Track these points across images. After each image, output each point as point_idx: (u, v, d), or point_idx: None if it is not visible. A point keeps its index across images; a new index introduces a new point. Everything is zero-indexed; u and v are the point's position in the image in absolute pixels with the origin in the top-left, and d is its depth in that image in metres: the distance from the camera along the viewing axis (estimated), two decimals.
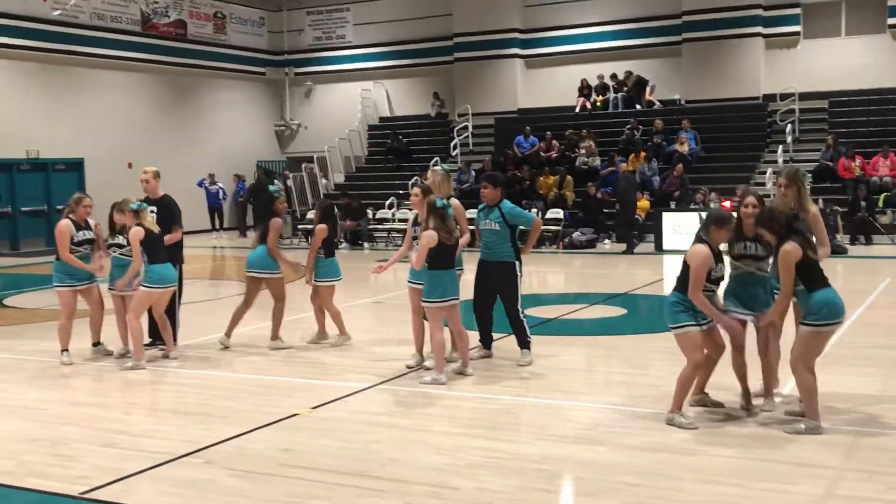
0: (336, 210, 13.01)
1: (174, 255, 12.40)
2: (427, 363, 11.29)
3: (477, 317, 11.68)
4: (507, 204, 11.33)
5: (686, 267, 8.57)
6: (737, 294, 9.12)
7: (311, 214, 31.16)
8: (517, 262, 11.28)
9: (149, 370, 11.82)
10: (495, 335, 12.07)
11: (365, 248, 29.81)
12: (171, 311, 12.54)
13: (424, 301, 10.47)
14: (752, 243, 9.04)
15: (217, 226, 37.57)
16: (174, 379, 11.32)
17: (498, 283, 11.29)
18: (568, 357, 11.97)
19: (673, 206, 28.38)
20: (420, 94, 40.74)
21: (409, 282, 11.33)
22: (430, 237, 10.32)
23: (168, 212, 12.53)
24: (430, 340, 10.64)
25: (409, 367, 11.20)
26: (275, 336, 12.95)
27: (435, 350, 10.50)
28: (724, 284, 9.04)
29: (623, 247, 26.73)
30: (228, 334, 12.98)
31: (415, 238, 11.08)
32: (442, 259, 10.37)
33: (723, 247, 8.91)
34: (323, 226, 12.68)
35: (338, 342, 12.92)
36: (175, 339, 12.65)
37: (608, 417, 9.12)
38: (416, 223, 11.32)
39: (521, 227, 11.42)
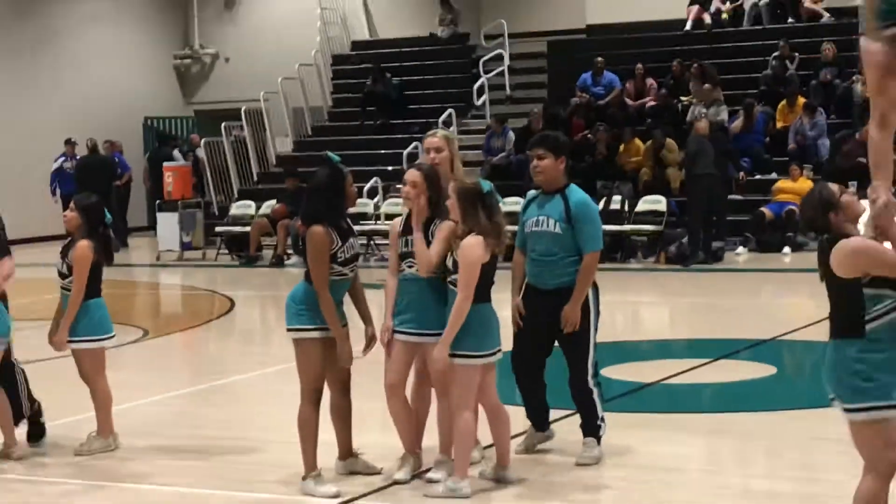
0: (107, 215, 8.60)
1: None
2: (434, 472, 7.83)
3: (519, 379, 8.55)
4: (576, 192, 8.39)
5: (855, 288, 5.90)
6: None
7: (235, 209, 24.65)
8: (592, 291, 8.36)
9: None
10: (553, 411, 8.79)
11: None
12: (9, 378, 8.48)
13: (458, 355, 7.61)
14: None
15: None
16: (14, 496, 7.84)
17: (556, 327, 8.26)
18: (677, 451, 9.01)
19: (852, 187, 18.93)
20: (420, 3, 29.84)
21: (396, 329, 7.82)
22: (477, 248, 7.53)
23: None
24: (446, 425, 7.77)
25: (396, 482, 7.92)
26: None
27: (457, 441, 7.61)
28: None
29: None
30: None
31: (406, 257, 7.95)
32: (483, 284, 7.73)
33: None
34: (87, 244, 8.30)
35: (101, 445, 8.50)
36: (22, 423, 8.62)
37: None
38: (408, 231, 7.99)
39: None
